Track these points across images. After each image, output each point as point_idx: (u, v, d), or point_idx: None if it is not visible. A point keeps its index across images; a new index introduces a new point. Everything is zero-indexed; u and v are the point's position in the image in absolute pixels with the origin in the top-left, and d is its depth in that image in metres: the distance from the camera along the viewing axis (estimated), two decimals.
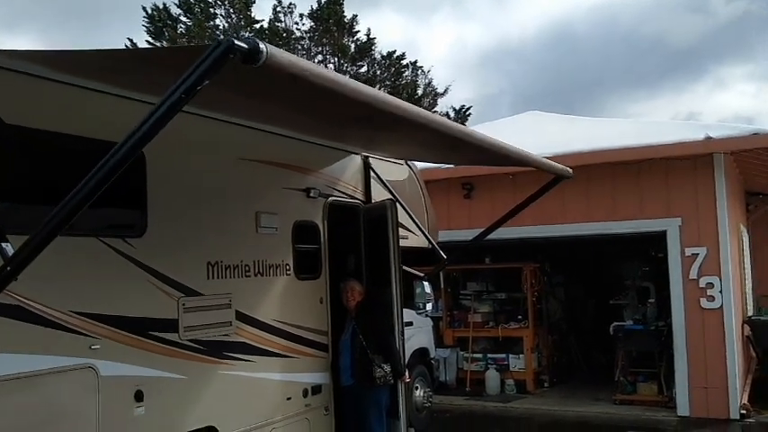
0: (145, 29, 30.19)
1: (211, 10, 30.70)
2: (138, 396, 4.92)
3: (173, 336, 5.25)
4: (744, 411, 10.12)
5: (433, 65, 54.46)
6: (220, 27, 30.84)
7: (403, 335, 7.47)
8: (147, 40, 30.19)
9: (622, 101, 63.84)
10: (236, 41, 3.11)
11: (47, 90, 4.50)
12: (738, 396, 10.20)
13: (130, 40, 30.01)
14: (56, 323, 4.44)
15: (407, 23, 52.21)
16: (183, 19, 30.37)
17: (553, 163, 7.26)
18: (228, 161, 5.95)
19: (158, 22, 30.05)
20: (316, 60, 31.47)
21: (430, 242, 8.51)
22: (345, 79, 3.93)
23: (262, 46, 3.13)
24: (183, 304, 5.36)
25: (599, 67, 66.54)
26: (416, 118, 4.59)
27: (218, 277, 5.74)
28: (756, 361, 12.20)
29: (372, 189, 7.87)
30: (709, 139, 10.16)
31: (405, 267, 7.90)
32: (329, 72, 3.79)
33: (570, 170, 7.45)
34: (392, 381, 7.08)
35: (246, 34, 30.82)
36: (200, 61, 3.16)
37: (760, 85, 68.67)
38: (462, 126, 5.38)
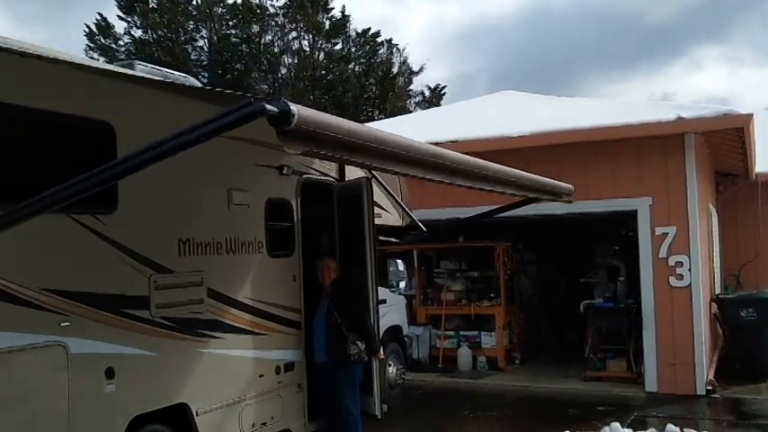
0: (115, 3, 29.66)
1: None
2: (109, 373, 4.91)
3: (144, 313, 5.23)
4: (710, 387, 10.31)
5: (409, 42, 54.38)
6: (193, 3, 30.33)
7: (377, 312, 7.50)
8: (118, 15, 29.71)
9: (598, 81, 64.27)
10: (268, 106, 3.04)
11: (24, 64, 4.38)
12: (705, 372, 10.40)
13: (100, 15, 29.53)
14: (25, 300, 4.39)
15: (383, 0, 51.87)
16: None
17: (562, 185, 7.46)
18: None
19: None
20: (290, 37, 31.16)
21: (410, 216, 8.57)
22: (375, 133, 3.82)
23: (293, 109, 3.05)
24: (155, 281, 5.34)
25: (575, 46, 66.91)
26: (443, 164, 4.59)
27: (189, 254, 5.71)
28: (723, 338, 12.44)
29: (346, 166, 7.84)
30: (680, 119, 10.24)
31: (380, 237, 7.96)
32: (357, 126, 3.68)
33: (572, 188, 7.67)
34: (366, 358, 7.11)
35: (220, 11, 30.38)
36: (227, 112, 3.14)
37: (733, 67, 69.45)
38: (486, 162, 5.35)
